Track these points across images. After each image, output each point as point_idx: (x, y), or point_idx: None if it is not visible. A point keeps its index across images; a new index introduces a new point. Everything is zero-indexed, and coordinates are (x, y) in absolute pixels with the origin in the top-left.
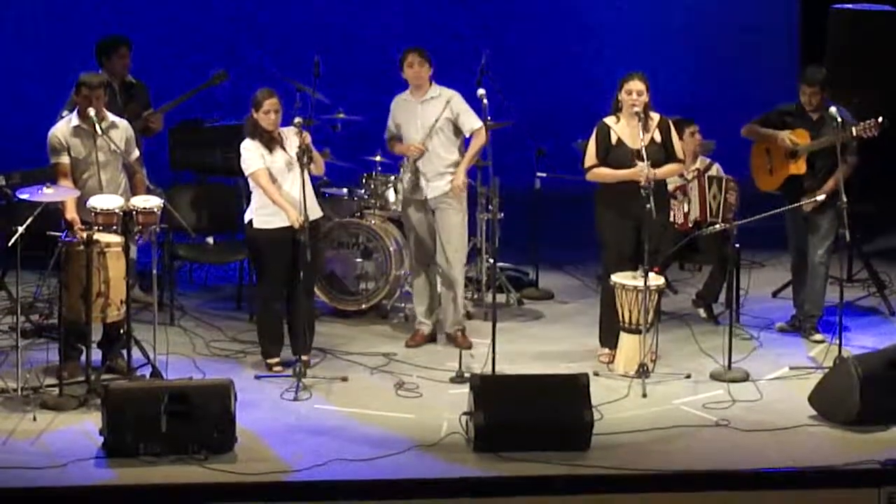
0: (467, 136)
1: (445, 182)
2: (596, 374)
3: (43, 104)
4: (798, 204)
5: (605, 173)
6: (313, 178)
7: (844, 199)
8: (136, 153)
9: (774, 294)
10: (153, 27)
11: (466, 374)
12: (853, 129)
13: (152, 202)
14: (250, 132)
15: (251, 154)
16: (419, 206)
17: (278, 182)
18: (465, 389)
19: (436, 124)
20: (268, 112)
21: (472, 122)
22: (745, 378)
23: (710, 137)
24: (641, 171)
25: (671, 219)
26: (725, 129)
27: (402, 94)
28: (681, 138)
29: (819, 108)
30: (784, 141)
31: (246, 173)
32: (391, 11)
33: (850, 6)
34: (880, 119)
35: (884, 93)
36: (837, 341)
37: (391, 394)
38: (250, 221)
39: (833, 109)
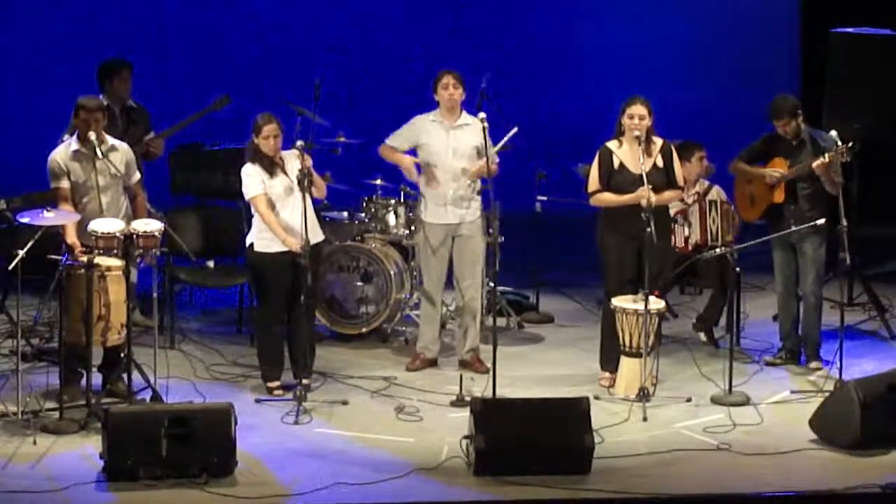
0: None
1: (472, 209)
2: (596, 397)
3: (43, 128)
4: (792, 230)
5: (609, 199)
6: (315, 202)
7: (845, 223)
8: (138, 176)
9: (775, 318)
10: (155, 51)
11: (467, 398)
12: (826, 155)
13: (153, 226)
14: (251, 157)
15: (251, 179)
16: (440, 231)
17: (278, 207)
18: (465, 413)
19: (471, 152)
20: (267, 137)
21: (494, 154)
22: (746, 402)
23: (710, 161)
24: (643, 193)
25: (672, 243)
26: (726, 153)
27: (427, 115)
28: (689, 162)
29: (798, 134)
30: (771, 178)
31: (246, 198)
32: (393, 36)
33: (850, 30)
34: (850, 144)
35: (884, 116)
36: (838, 365)
37: (392, 417)
38: (251, 245)
39: (834, 133)
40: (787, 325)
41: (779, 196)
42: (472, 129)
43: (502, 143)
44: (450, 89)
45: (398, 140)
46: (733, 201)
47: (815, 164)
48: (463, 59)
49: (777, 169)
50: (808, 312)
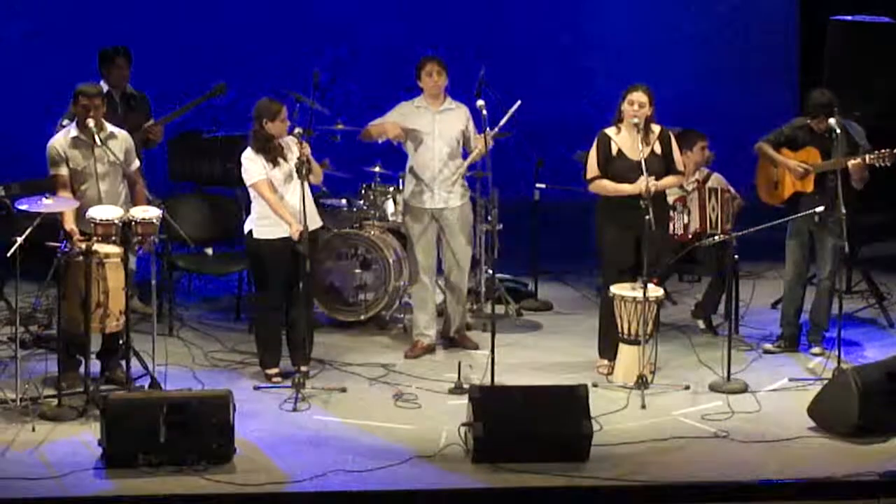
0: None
1: (455, 193)
2: (595, 385)
3: (43, 114)
4: (801, 214)
5: (607, 186)
6: (313, 188)
7: (843, 211)
8: (137, 164)
9: (774, 305)
10: (155, 38)
11: (465, 385)
12: (866, 157)
13: (151, 213)
14: (255, 145)
15: (253, 164)
16: (425, 215)
17: (280, 193)
18: (464, 400)
19: (456, 136)
20: (284, 119)
21: (496, 131)
22: (744, 389)
23: (709, 148)
24: (642, 185)
25: (671, 230)
26: (724, 141)
27: (413, 101)
28: (691, 151)
29: (831, 128)
30: (796, 170)
31: (247, 183)
32: (393, 23)
33: (848, 17)
34: (895, 150)
35: (883, 104)
36: (837, 353)
37: (390, 404)
38: (250, 232)
39: (832, 121)
40: (791, 312)
41: (807, 185)
42: (456, 114)
43: (506, 117)
44: (434, 76)
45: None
46: (755, 182)
47: (852, 163)
48: (462, 47)
49: (802, 164)
50: (819, 298)
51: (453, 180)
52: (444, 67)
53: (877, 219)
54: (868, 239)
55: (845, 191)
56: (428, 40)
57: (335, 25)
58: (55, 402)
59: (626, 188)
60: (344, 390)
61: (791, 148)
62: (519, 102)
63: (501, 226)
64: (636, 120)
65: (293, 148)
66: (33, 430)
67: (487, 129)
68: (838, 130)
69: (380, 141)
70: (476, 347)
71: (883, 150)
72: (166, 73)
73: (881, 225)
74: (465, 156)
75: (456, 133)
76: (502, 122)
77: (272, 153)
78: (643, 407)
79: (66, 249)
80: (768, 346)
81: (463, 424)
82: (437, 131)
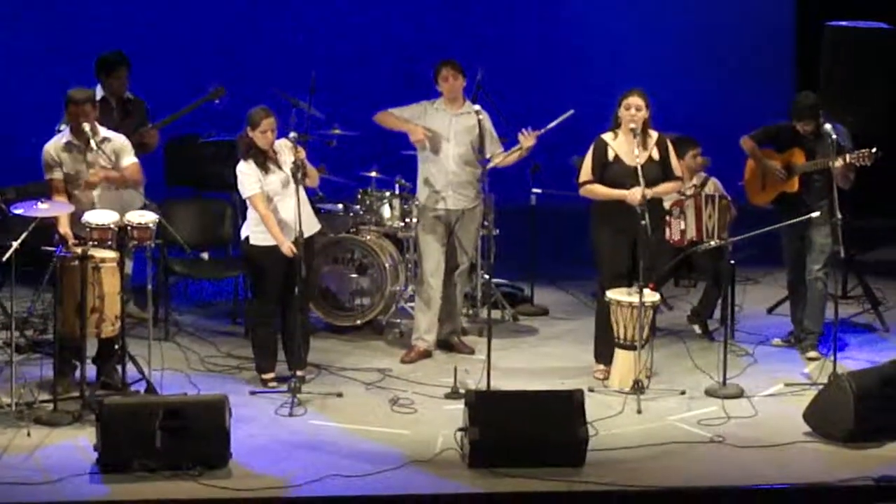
0: (487, 157)
1: (472, 196)
2: (591, 390)
3: (40, 119)
4: (793, 221)
5: (598, 190)
6: (309, 192)
7: (839, 216)
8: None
9: (769, 310)
10: (152, 42)
11: (461, 390)
12: (846, 156)
13: (147, 217)
14: (244, 152)
15: (248, 178)
16: (438, 217)
17: (277, 200)
18: (460, 405)
19: (472, 140)
20: (265, 132)
21: (494, 147)
22: (740, 394)
23: (705, 152)
24: (634, 195)
25: (667, 235)
26: (720, 145)
27: (434, 102)
28: (683, 159)
29: (816, 130)
30: (774, 172)
31: (243, 197)
32: (389, 29)
33: (844, 23)
34: (874, 150)
35: (878, 109)
36: (832, 357)
37: (386, 409)
38: (246, 238)
39: (828, 127)
40: (799, 310)
41: (792, 186)
42: (473, 118)
43: (556, 122)
44: (449, 80)
45: (405, 112)
46: (742, 179)
47: (836, 165)
48: (461, 50)
49: (781, 169)
50: (812, 301)
51: (469, 183)
52: (459, 71)
53: (874, 224)
54: (866, 244)
55: (839, 194)
56: (430, 44)
57: (337, 28)
58: (51, 406)
59: (615, 192)
60: (340, 395)
61: (777, 149)
62: (571, 111)
63: (497, 231)
64: (633, 124)
65: (287, 153)
66: (28, 434)
67: (494, 134)
68: (834, 136)
69: (393, 130)
70: (472, 352)
71: (863, 151)
72: (165, 77)
73: (878, 230)
74: (484, 162)
75: (472, 137)
76: (550, 125)
77: (260, 160)
78: (639, 412)
79: (62, 254)
80: (778, 341)
81: (459, 429)
82: (452, 134)
